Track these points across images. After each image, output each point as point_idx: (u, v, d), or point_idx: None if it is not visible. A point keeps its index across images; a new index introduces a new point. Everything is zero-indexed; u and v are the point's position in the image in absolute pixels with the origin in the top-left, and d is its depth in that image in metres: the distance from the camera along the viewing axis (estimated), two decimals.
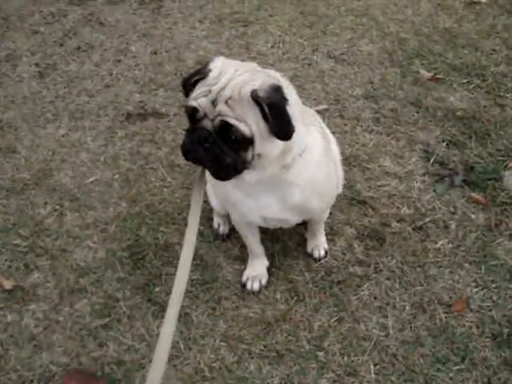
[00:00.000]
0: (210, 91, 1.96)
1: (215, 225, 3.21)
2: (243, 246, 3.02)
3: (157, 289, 2.97)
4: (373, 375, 2.60)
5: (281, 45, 4.57)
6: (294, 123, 1.96)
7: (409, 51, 4.42)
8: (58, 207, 3.42)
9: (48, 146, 3.84)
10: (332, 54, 4.43)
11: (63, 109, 4.14)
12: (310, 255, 3.06)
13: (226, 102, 1.93)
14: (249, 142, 1.96)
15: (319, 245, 3.05)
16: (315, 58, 4.41)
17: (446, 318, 2.78)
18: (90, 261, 3.13)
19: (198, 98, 1.97)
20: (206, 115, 1.97)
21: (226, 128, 1.94)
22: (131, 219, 3.32)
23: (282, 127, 1.95)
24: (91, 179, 3.58)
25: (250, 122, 1.93)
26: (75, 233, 3.27)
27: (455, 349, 2.66)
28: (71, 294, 2.99)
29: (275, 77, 2.09)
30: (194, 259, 2.08)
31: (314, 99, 4.01)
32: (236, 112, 1.92)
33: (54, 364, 2.72)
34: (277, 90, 1.95)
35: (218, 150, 1.99)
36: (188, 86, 2.07)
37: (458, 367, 2.60)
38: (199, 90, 2.00)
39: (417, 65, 4.29)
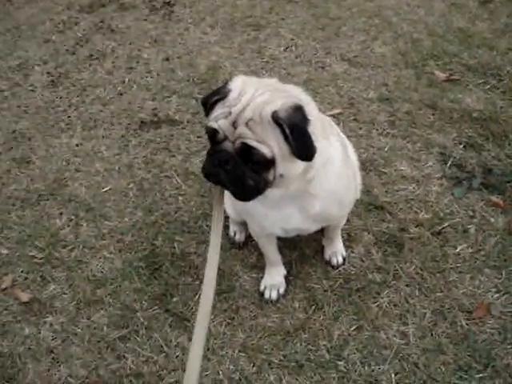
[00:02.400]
0: (230, 113, 1.93)
1: (231, 233, 3.19)
2: (260, 254, 2.99)
3: (174, 299, 2.95)
4: None
5: (293, 48, 4.54)
6: (316, 141, 1.93)
7: (423, 52, 4.38)
8: (73, 217, 3.41)
9: (62, 155, 3.84)
10: (345, 57, 4.40)
11: (76, 118, 4.14)
12: (328, 262, 3.03)
13: (247, 124, 1.90)
14: (270, 163, 1.93)
15: (337, 251, 3.01)
16: (328, 60, 4.37)
17: (467, 324, 2.74)
18: (107, 271, 3.11)
19: (219, 120, 1.95)
20: (226, 137, 1.95)
21: (247, 150, 1.92)
22: (147, 228, 3.30)
23: (303, 148, 1.92)
24: (106, 188, 3.57)
25: (272, 144, 1.90)
26: (91, 243, 3.26)
27: (477, 356, 2.61)
28: (88, 306, 2.98)
29: (296, 95, 2.04)
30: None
31: (328, 103, 3.97)
32: (257, 134, 1.90)
33: (73, 377, 2.71)
34: (298, 110, 1.92)
35: (240, 172, 1.97)
36: (208, 105, 2.04)
37: (480, 375, 2.56)
38: (219, 110, 1.97)
39: (431, 66, 4.24)
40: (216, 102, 2.01)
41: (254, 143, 1.90)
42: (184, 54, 4.61)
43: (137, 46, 4.77)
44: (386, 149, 3.61)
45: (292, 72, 4.25)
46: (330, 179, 2.23)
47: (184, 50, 4.66)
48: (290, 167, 1.98)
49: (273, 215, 2.33)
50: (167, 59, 4.59)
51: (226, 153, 1.96)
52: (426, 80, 4.10)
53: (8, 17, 5.33)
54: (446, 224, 3.16)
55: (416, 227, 3.16)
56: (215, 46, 4.64)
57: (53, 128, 4.08)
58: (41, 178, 3.69)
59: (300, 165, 2.01)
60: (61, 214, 3.44)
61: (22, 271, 3.17)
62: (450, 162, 3.48)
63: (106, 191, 3.55)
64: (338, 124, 3.74)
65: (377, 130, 3.75)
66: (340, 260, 3.01)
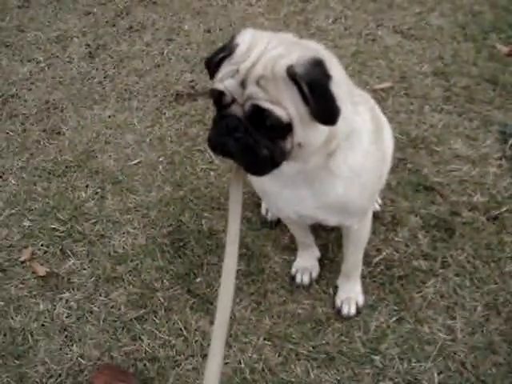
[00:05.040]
0: (237, 70, 1.61)
1: (263, 211, 2.93)
2: (293, 234, 2.73)
3: (197, 279, 2.73)
4: None
5: (342, 20, 4.22)
6: (340, 103, 1.60)
7: (484, 25, 4.00)
8: (99, 190, 3.23)
9: (93, 127, 3.66)
10: (398, 29, 4.06)
11: (111, 89, 3.95)
12: (339, 311, 2.56)
13: (258, 83, 1.58)
14: (287, 128, 1.61)
15: (351, 298, 2.55)
16: (380, 33, 4.05)
17: None
18: (129, 248, 2.91)
19: (225, 80, 1.63)
20: (234, 100, 1.63)
21: (258, 113, 1.60)
22: (174, 204, 3.08)
23: (325, 109, 1.59)
24: (135, 161, 3.37)
25: (287, 105, 1.58)
26: (115, 217, 3.07)
27: None
28: (107, 283, 2.79)
29: (315, 49, 1.72)
30: (239, 248, 1.81)
31: (378, 77, 3.65)
32: (270, 93, 1.58)
33: (85, 358, 2.52)
34: (318, 64, 1.60)
35: (252, 140, 1.65)
36: (213, 65, 1.72)
37: None
38: (225, 69, 1.66)
39: (493, 39, 3.86)
40: (221, 60, 1.69)
41: (266, 104, 1.58)
42: (226, 26, 4.36)
43: (178, 17, 4.55)
44: (439, 126, 3.28)
45: (339, 44, 3.96)
46: (357, 156, 1.89)
47: (227, 22, 4.41)
48: (310, 134, 1.65)
49: (286, 194, 1.99)
50: (209, 31, 4.36)
51: (235, 118, 1.63)
52: (487, 54, 3.74)
53: None
54: (504, 209, 2.83)
55: (469, 211, 2.84)
56: (260, 18, 4.38)
57: (86, 99, 3.90)
58: (69, 149, 3.52)
59: (322, 131, 1.68)
60: (86, 186, 3.26)
61: (42, 244, 3.00)
62: (510, 142, 3.13)
63: (134, 164, 3.35)
64: (387, 99, 3.45)
65: (430, 105, 3.42)
66: (352, 310, 2.53)
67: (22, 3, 4.98)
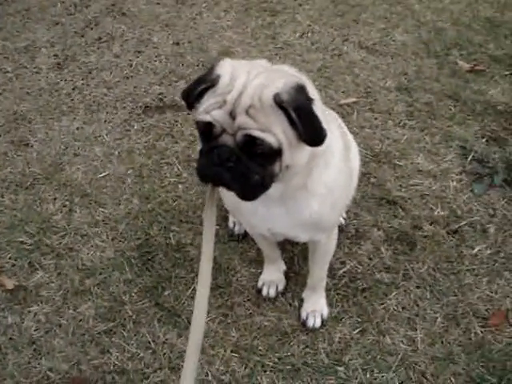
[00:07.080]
0: (224, 101, 1.66)
1: (230, 224, 2.99)
2: (260, 248, 2.78)
3: (166, 292, 2.77)
4: None
5: (309, 34, 4.32)
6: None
7: (446, 41, 4.14)
8: (67, 203, 3.24)
9: (61, 139, 3.66)
10: (363, 45, 4.17)
11: (80, 101, 3.96)
12: (304, 323, 2.62)
13: (247, 112, 1.64)
14: (277, 153, 1.67)
15: (316, 311, 2.61)
16: (345, 48, 4.15)
17: (482, 332, 2.53)
18: (97, 261, 2.94)
19: (212, 111, 1.68)
20: (224, 130, 1.68)
21: (250, 142, 1.66)
22: (142, 217, 3.11)
23: (312, 132, 1.67)
24: (103, 174, 3.39)
25: (276, 131, 1.64)
26: (83, 230, 3.09)
27: (491, 368, 2.40)
28: (75, 296, 2.80)
29: (293, 74, 1.80)
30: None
31: (343, 92, 3.75)
32: (259, 122, 1.64)
33: (53, 371, 2.54)
34: (301, 90, 1.67)
35: (244, 168, 1.70)
36: (192, 96, 1.76)
37: None
38: (210, 100, 1.70)
39: (455, 56, 4.00)
40: (202, 91, 1.74)
41: (258, 133, 1.63)
42: (195, 39, 4.42)
43: (147, 29, 4.59)
44: (402, 141, 3.38)
45: (307, 59, 4.04)
46: (330, 173, 1.97)
47: (195, 35, 4.46)
48: (296, 156, 1.72)
49: (260, 212, 2.05)
50: (177, 43, 4.40)
51: (227, 148, 1.68)
52: (449, 70, 3.86)
53: None
54: (464, 222, 2.93)
55: (430, 225, 2.94)
56: (228, 31, 4.44)
57: (54, 111, 3.91)
58: (38, 161, 3.52)
59: (306, 151, 1.75)
60: (55, 199, 3.27)
61: (9, 257, 3.00)
62: (470, 157, 3.25)
63: (103, 177, 3.37)
64: (352, 114, 3.54)
65: (393, 120, 3.52)
66: (318, 322, 2.60)
67: None
